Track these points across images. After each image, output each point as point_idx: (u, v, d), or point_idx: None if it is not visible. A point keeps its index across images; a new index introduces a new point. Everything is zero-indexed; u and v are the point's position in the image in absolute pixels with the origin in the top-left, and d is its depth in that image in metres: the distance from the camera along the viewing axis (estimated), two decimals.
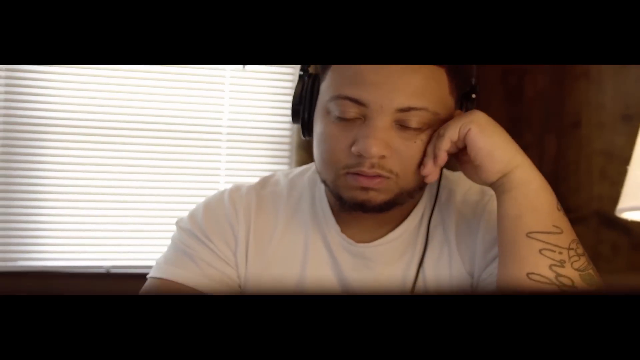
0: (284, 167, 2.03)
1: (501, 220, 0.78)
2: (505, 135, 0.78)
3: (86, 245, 1.92)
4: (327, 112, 0.80)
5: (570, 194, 1.87)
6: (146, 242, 1.96)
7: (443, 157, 0.78)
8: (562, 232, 0.76)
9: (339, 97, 0.77)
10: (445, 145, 0.77)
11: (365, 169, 0.77)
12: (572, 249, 0.76)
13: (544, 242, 0.75)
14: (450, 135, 0.77)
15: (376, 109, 0.76)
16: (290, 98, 2.17)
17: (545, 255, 0.75)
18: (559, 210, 0.77)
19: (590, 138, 1.96)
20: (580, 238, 0.77)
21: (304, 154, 1.96)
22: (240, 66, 2.00)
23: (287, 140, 2.04)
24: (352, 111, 0.77)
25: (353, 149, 0.77)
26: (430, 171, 0.79)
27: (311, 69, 0.87)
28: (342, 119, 0.78)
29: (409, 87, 0.76)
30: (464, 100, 0.84)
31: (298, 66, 2.07)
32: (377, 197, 0.80)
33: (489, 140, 0.76)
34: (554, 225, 0.76)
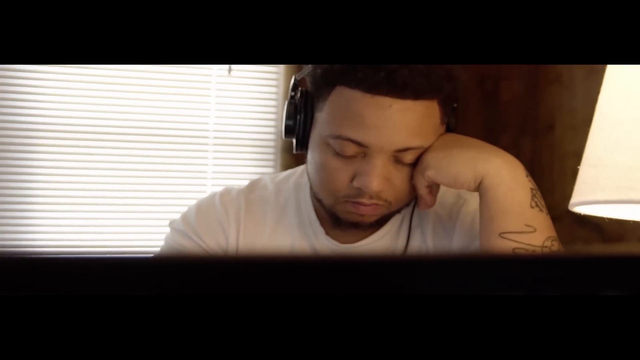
0: (270, 170, 2.07)
1: (480, 222, 0.84)
2: (462, 154, 0.83)
3: (76, 247, 1.95)
4: (326, 145, 0.84)
5: (545, 194, 1.94)
6: (135, 243, 1.99)
7: (430, 198, 0.86)
8: (535, 231, 0.80)
9: (341, 138, 0.82)
10: (423, 191, 0.85)
11: (364, 200, 0.84)
12: (547, 247, 0.80)
13: (516, 241, 0.80)
14: (420, 183, 0.84)
15: (377, 150, 0.81)
16: (275, 103, 2.19)
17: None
18: (532, 208, 0.81)
19: (563, 140, 2.03)
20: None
21: (289, 157, 2.01)
22: (225, 71, 2.04)
23: (272, 144, 2.08)
24: (353, 150, 0.82)
25: (354, 183, 0.83)
26: (427, 207, 0.87)
27: (301, 86, 0.90)
28: (342, 155, 0.83)
29: (407, 129, 0.80)
30: (450, 113, 0.89)
31: (282, 71, 2.09)
32: (370, 219, 0.87)
33: (447, 173, 0.82)
34: (526, 225, 0.80)
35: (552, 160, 2.03)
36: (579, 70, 1.95)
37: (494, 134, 2.13)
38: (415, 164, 0.84)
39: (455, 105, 0.89)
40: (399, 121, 0.80)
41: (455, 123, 0.89)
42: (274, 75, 2.07)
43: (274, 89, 2.07)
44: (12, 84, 1.89)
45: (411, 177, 0.85)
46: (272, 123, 2.08)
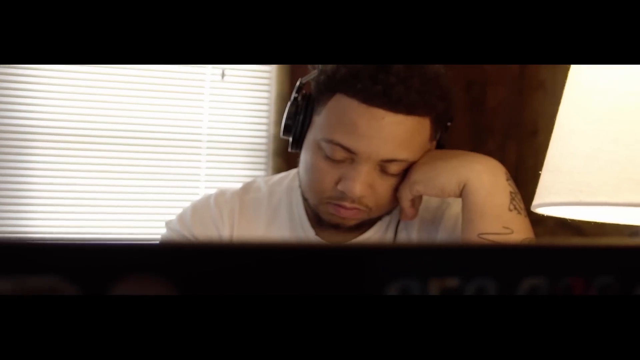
0: (261, 173, 2.11)
1: (462, 224, 0.88)
2: (446, 165, 0.87)
3: None
4: (319, 148, 0.88)
5: (529, 198, 1.98)
6: None
7: (411, 211, 0.90)
8: (512, 232, 0.84)
9: (332, 142, 0.85)
10: (407, 204, 0.89)
11: (346, 203, 0.87)
12: None
13: (493, 242, 0.83)
14: (405, 197, 0.88)
15: (364, 157, 0.85)
16: (267, 107, 2.22)
17: None
18: (511, 211, 0.85)
19: (547, 145, 2.08)
20: (538, 237, 0.86)
21: (280, 160, 2.05)
22: (218, 76, 2.08)
23: (263, 147, 2.12)
24: (342, 155, 0.86)
25: (339, 186, 0.86)
26: (409, 219, 0.91)
27: (305, 89, 0.93)
28: (332, 159, 0.87)
29: (395, 141, 0.84)
30: (442, 131, 0.93)
31: (274, 76, 2.12)
32: (350, 222, 0.91)
33: (434, 185, 0.86)
34: (503, 227, 0.84)
35: (536, 165, 2.07)
36: (562, 77, 2.00)
37: (480, 139, 2.18)
38: (398, 175, 0.88)
39: (448, 124, 0.92)
40: (390, 133, 0.83)
41: (448, 140, 0.93)
42: (266, 81, 2.11)
43: (265, 94, 2.11)
44: (10, 87, 1.92)
45: (394, 188, 0.88)
46: (264, 127, 2.12)
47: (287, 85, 2.03)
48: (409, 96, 0.82)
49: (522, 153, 2.15)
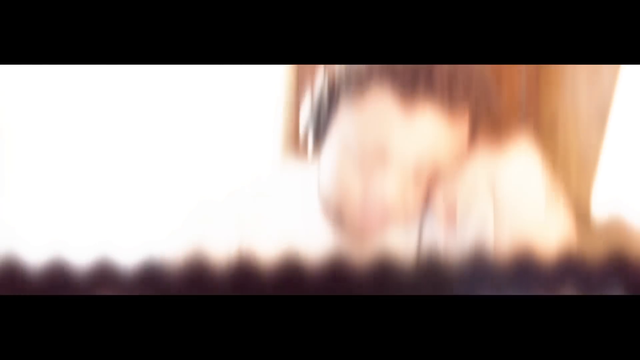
0: (269, 173, 2.07)
1: (493, 219, 0.86)
2: (478, 164, 0.85)
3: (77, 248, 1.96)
4: (346, 150, 0.86)
5: None
6: (136, 244, 2.00)
7: (448, 219, 0.88)
8: (546, 232, 0.82)
9: (364, 142, 0.84)
10: (441, 212, 0.87)
11: (375, 207, 0.86)
12: (559, 247, 0.82)
13: (527, 242, 0.82)
14: (439, 205, 0.87)
15: (399, 163, 0.84)
16: (277, 103, 2.17)
17: None
18: (545, 208, 0.84)
19: (565, 141, 2.04)
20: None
21: (289, 159, 2.03)
22: (226, 70, 2.06)
23: (271, 145, 2.08)
24: (373, 156, 0.84)
25: (368, 189, 0.86)
26: (446, 226, 0.89)
27: (328, 83, 0.92)
28: (360, 160, 0.85)
29: (434, 144, 0.84)
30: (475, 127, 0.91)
31: (284, 72, 2.09)
32: (377, 226, 0.89)
33: (464, 183, 0.85)
34: (536, 224, 0.83)
35: (555, 160, 2.04)
36: (580, 71, 1.96)
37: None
38: (432, 179, 0.86)
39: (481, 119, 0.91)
40: (427, 134, 0.82)
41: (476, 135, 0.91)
42: (276, 76, 2.06)
43: (276, 89, 2.07)
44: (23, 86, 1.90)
45: (427, 191, 0.87)
46: (272, 125, 2.07)
47: (295, 83, 1.99)
48: (452, 97, 0.81)
49: (539, 149, 2.11)
